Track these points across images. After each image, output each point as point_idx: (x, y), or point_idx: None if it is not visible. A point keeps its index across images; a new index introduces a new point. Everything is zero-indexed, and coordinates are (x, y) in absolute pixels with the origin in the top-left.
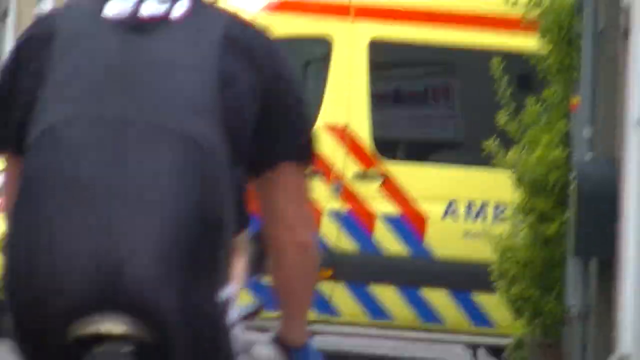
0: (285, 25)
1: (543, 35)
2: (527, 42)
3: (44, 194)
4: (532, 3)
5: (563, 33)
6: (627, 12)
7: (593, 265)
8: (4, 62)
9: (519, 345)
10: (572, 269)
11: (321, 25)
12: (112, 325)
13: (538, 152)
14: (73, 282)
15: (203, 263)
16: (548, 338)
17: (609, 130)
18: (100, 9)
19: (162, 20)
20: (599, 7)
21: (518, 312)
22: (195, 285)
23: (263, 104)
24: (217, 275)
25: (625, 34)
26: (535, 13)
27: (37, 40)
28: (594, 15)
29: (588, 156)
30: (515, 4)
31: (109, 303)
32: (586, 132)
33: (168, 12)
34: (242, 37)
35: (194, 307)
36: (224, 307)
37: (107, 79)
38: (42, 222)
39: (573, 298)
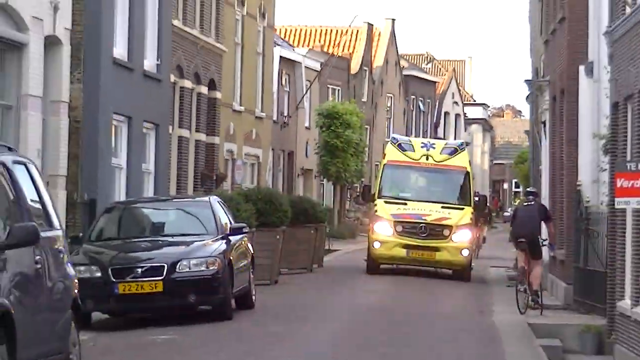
0: None
1: None
2: None
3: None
4: None
5: None
6: (544, 113)
7: None
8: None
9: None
10: None
11: None
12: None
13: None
14: (524, 232)
15: (537, 231)
16: None
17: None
18: None
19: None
20: (534, 109)
21: None
22: (536, 234)
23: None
24: (539, 231)
25: (544, 124)
26: None
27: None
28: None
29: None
30: None
31: (527, 238)
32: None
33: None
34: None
35: (533, 236)
36: (539, 236)
37: None
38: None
39: None
